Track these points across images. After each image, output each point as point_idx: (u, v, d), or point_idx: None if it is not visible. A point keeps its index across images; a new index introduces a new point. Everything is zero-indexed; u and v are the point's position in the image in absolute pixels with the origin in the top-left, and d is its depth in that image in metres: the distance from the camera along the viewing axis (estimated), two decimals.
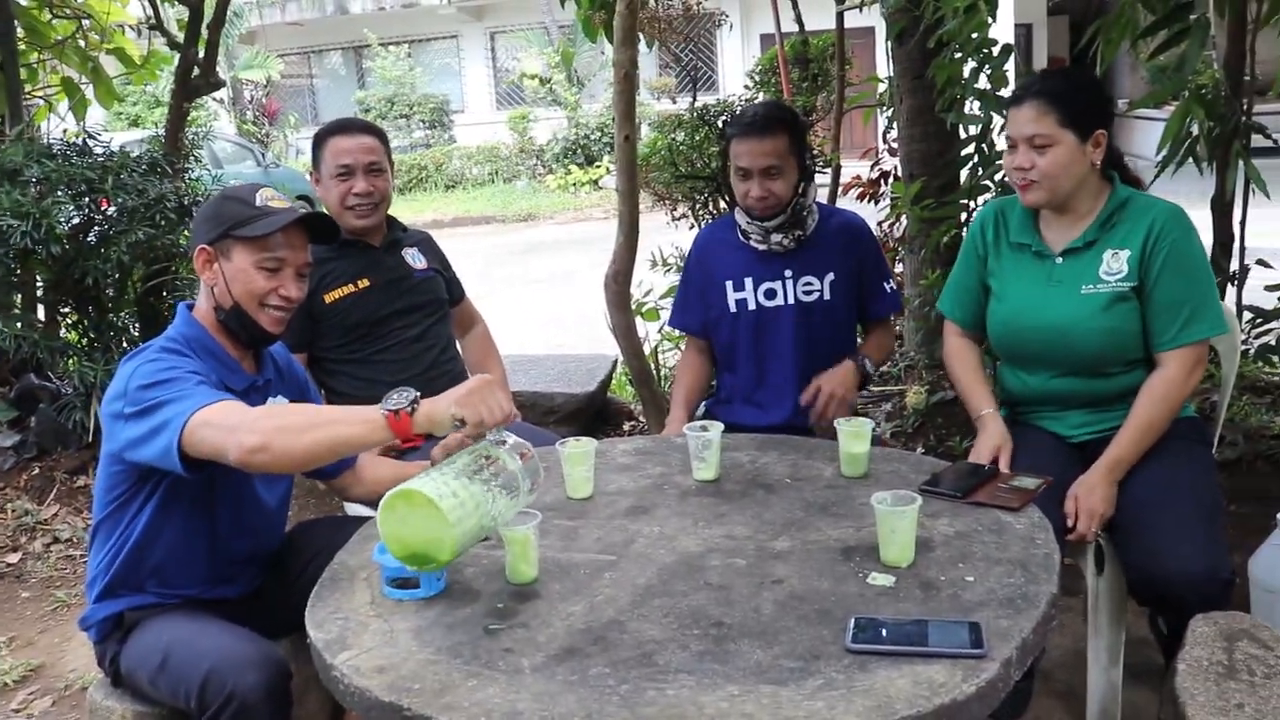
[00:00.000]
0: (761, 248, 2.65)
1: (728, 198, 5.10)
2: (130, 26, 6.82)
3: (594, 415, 4.55)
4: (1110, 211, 2.24)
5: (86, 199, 4.18)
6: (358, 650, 1.53)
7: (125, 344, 4.28)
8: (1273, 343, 3.62)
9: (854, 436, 2.09)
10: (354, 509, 2.56)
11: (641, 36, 4.74)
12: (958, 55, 3.44)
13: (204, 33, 5.21)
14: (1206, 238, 2.42)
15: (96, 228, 4.24)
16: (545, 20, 19.36)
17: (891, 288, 2.76)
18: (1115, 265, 2.21)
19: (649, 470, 2.22)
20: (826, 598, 1.60)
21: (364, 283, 2.76)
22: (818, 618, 1.54)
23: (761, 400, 2.70)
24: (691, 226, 5.46)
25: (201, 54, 5.21)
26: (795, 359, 2.65)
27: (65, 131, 4.93)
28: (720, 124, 5.49)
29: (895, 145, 4.72)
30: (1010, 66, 3.42)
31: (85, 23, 5.82)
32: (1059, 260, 2.28)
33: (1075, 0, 16.23)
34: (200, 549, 2.01)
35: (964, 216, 3.84)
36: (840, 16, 6.08)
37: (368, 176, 2.74)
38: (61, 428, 4.21)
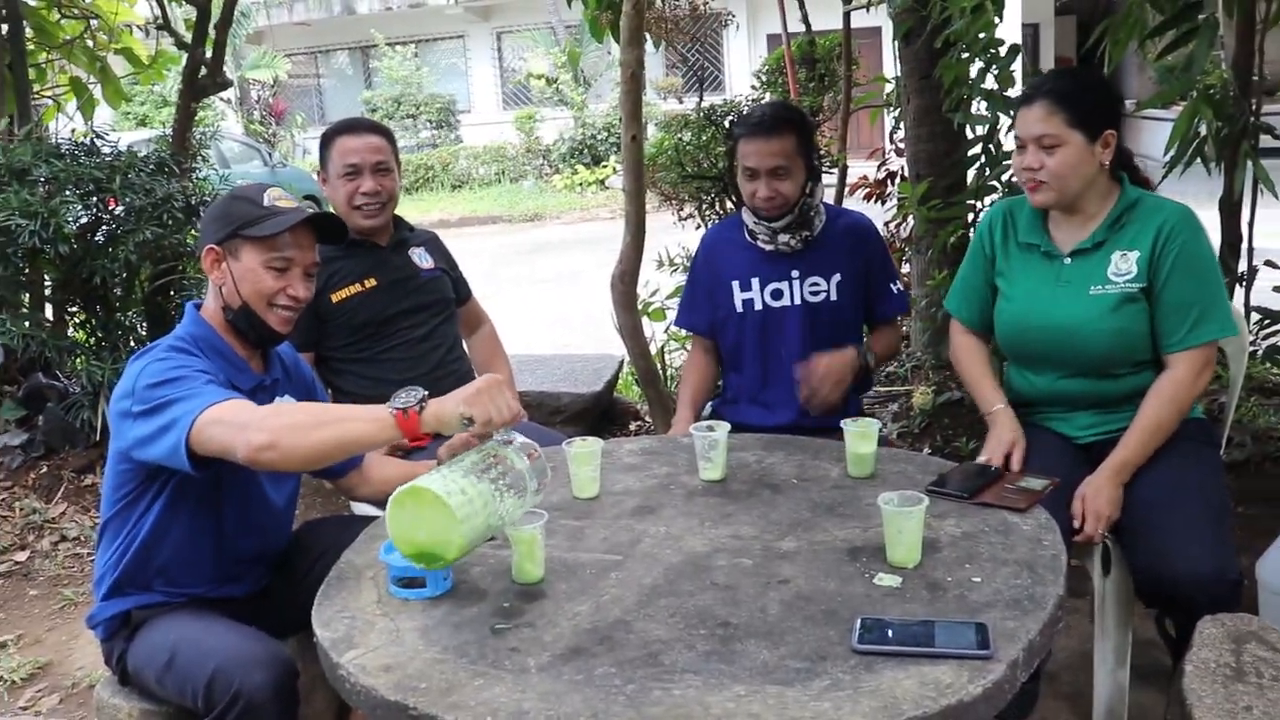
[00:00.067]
0: (768, 248, 2.65)
1: (734, 198, 5.10)
2: (138, 26, 6.84)
3: (600, 415, 4.55)
4: (1119, 212, 2.23)
5: (94, 198, 4.18)
6: (364, 649, 1.53)
7: (133, 343, 4.30)
8: None
9: (861, 437, 2.09)
10: (361, 508, 2.56)
11: (648, 36, 4.74)
12: (965, 55, 3.44)
13: (211, 33, 5.22)
14: (1214, 238, 2.41)
15: (104, 227, 4.25)
16: (552, 20, 19.37)
17: (898, 289, 2.75)
18: (1124, 266, 2.20)
19: (655, 470, 2.22)
20: (833, 598, 1.60)
21: (371, 282, 2.76)
22: (824, 618, 1.54)
23: (768, 400, 2.70)
24: (698, 226, 5.45)
25: (209, 54, 5.22)
26: (802, 359, 2.64)
27: (73, 131, 4.93)
28: (727, 124, 5.48)
29: (902, 145, 4.72)
30: (1017, 66, 3.42)
31: (93, 23, 5.84)
32: (1068, 261, 2.27)
33: (1083, 0, 16.19)
34: (207, 548, 2.02)
35: (971, 217, 3.83)
36: (847, 16, 6.07)
37: (375, 176, 2.75)
38: (69, 426, 4.22)
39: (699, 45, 17.75)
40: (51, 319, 4.43)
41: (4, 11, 4.95)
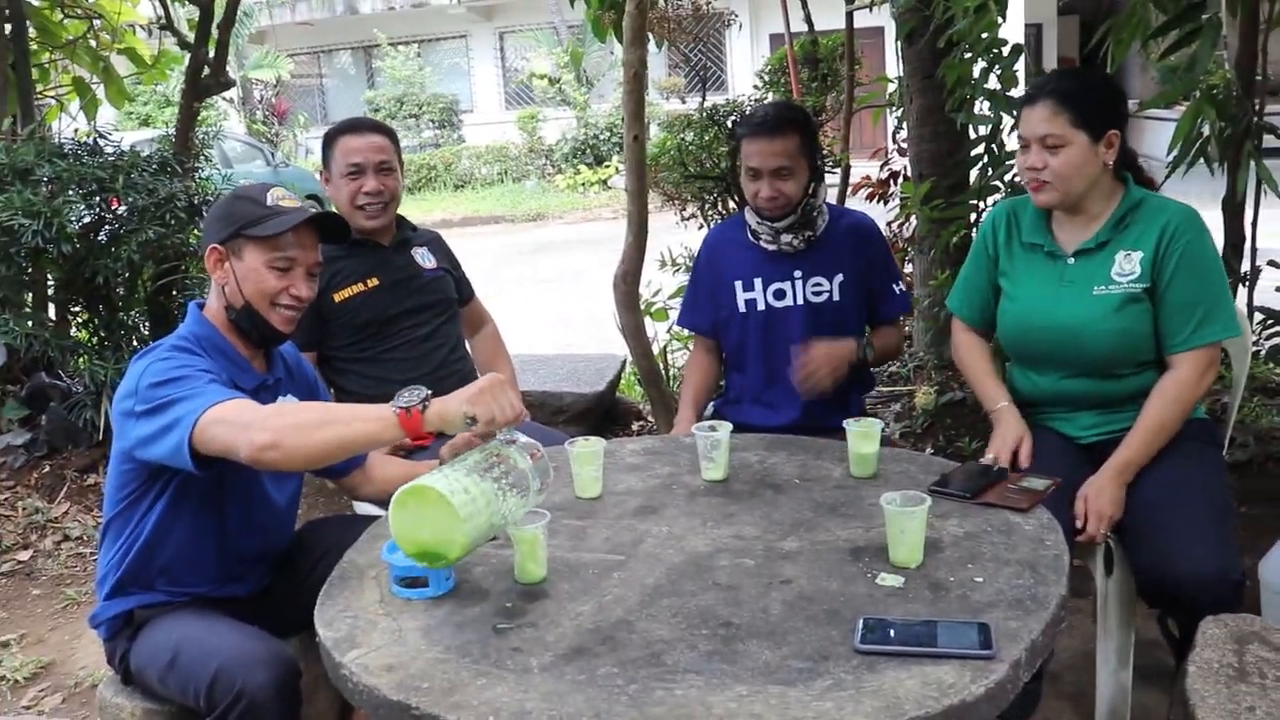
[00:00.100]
0: (771, 248, 2.65)
1: (737, 198, 5.10)
2: (141, 26, 6.84)
3: (603, 415, 4.55)
4: (1123, 212, 2.23)
5: (97, 198, 4.19)
6: (366, 649, 1.54)
7: (136, 343, 4.30)
8: None
9: (863, 437, 2.09)
10: (363, 508, 2.56)
11: (651, 36, 4.75)
12: (968, 55, 3.44)
13: (214, 32, 5.22)
14: (1217, 238, 2.41)
15: (107, 227, 4.26)
16: (554, 20, 19.37)
17: (900, 289, 2.75)
18: (1128, 266, 2.20)
19: (658, 470, 2.22)
20: (835, 598, 1.60)
21: (373, 282, 2.76)
22: (826, 618, 1.54)
23: (770, 400, 2.70)
24: (700, 226, 5.46)
25: (212, 54, 5.22)
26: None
27: (76, 131, 4.93)
28: (729, 124, 5.49)
29: (905, 145, 4.72)
30: (1020, 66, 3.42)
31: (96, 23, 5.84)
32: (1071, 261, 2.27)
33: (1086, 0, 16.18)
34: (210, 547, 2.02)
35: (973, 217, 3.83)
36: (850, 16, 6.07)
37: (378, 175, 2.75)
38: (72, 426, 4.22)
39: (701, 45, 17.74)
40: (54, 318, 4.43)
41: (7, 11, 4.96)
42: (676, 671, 1.42)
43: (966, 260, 2.50)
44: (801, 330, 2.63)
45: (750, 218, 2.68)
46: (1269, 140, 3.33)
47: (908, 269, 4.81)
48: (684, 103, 15.52)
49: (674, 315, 3.95)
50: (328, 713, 2.27)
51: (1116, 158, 2.20)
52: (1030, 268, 2.34)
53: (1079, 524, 2.07)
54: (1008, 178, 3.52)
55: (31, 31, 5.35)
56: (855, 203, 4.67)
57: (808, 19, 6.60)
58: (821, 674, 1.39)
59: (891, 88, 5.36)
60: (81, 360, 4.21)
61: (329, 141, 2.80)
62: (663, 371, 4.42)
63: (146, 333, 4.38)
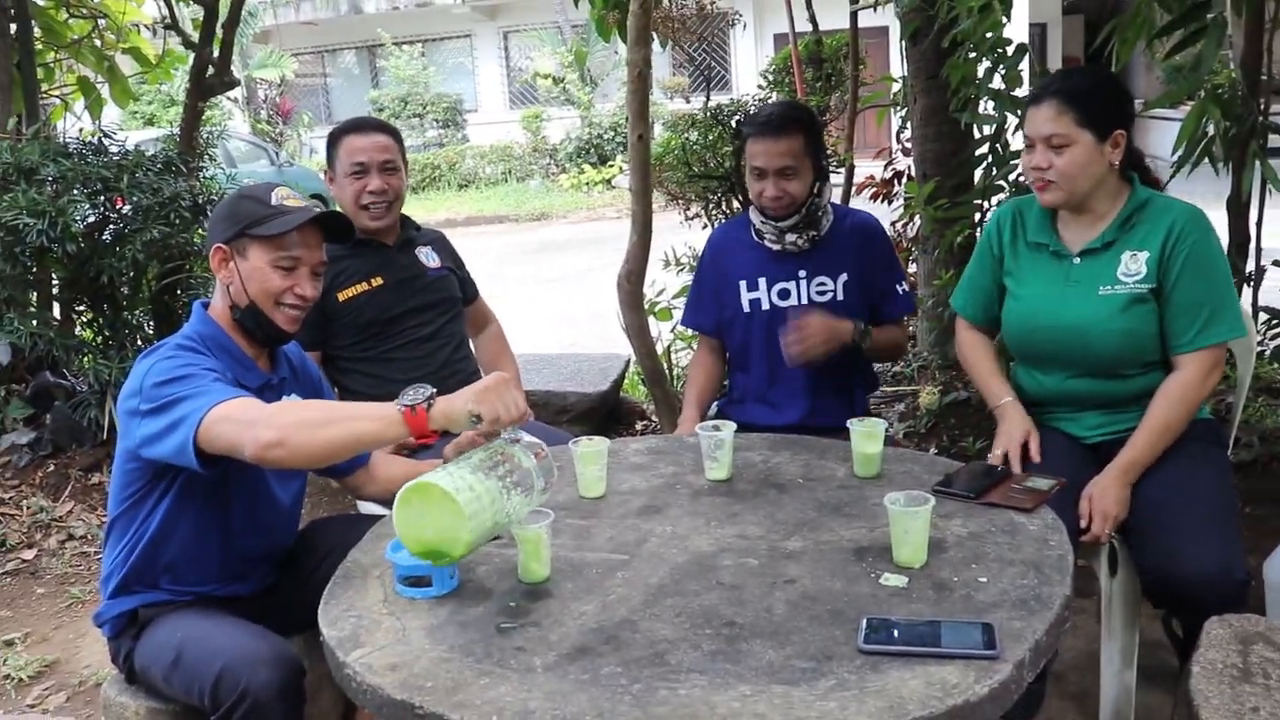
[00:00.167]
0: (776, 248, 2.65)
1: (741, 197, 5.10)
2: (146, 26, 6.86)
3: (606, 414, 4.55)
4: (1129, 212, 2.22)
5: (102, 198, 4.20)
6: (370, 648, 1.54)
7: (140, 342, 4.31)
8: None
9: (867, 437, 2.09)
10: (367, 507, 2.57)
11: (655, 36, 4.75)
12: (972, 55, 3.44)
13: (219, 32, 5.24)
14: (1222, 238, 2.41)
15: (112, 226, 4.26)
16: (559, 20, 19.38)
17: (904, 289, 2.75)
18: (1133, 266, 2.19)
19: (661, 470, 2.22)
20: (839, 598, 1.60)
21: (377, 281, 2.77)
22: (830, 618, 1.54)
23: (774, 400, 2.70)
24: (705, 226, 5.46)
25: (216, 53, 5.23)
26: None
27: (81, 130, 4.95)
28: (734, 123, 5.49)
29: (909, 145, 4.71)
30: (1024, 66, 3.42)
31: (101, 22, 5.86)
32: (1077, 260, 2.26)
33: None
34: (214, 546, 2.02)
35: (977, 216, 3.83)
36: (854, 16, 6.07)
37: (382, 174, 2.75)
38: (77, 425, 4.23)
39: (705, 45, 17.72)
40: (59, 318, 4.44)
41: (12, 11, 4.96)
42: (680, 671, 1.42)
43: (971, 259, 2.50)
44: None
45: (755, 217, 2.67)
46: (1274, 140, 3.32)
47: (912, 269, 4.80)
48: (688, 102, 15.52)
49: (678, 315, 3.95)
50: (331, 712, 2.27)
51: (1123, 157, 2.20)
52: (1035, 267, 2.33)
53: (1083, 524, 2.07)
54: (1012, 177, 3.52)
55: (37, 31, 5.36)
56: (859, 203, 4.66)
57: (812, 19, 6.60)
58: (825, 674, 1.39)
59: (896, 87, 5.37)
60: (86, 359, 4.22)
61: (333, 141, 2.81)
62: (666, 371, 4.42)
63: (151, 332, 4.39)
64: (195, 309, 2.05)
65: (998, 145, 3.57)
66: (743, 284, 2.68)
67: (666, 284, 4.81)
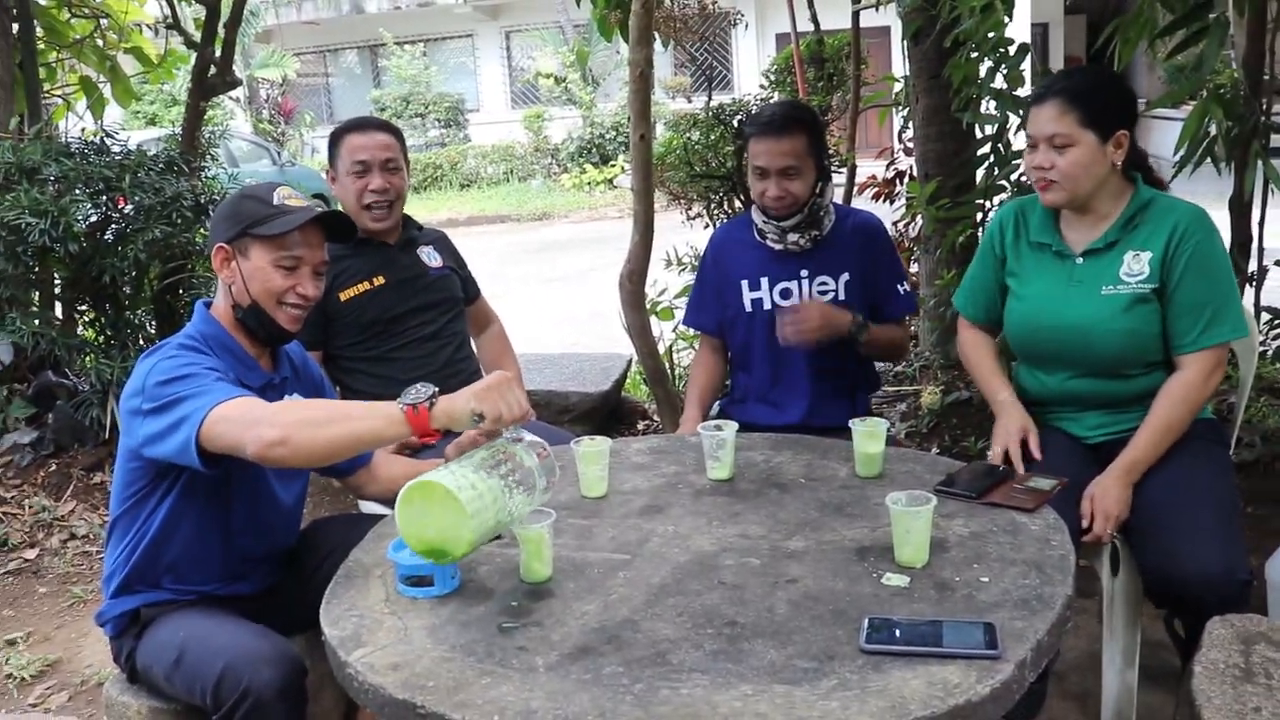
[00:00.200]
0: (778, 247, 2.65)
1: (743, 197, 5.10)
2: (148, 26, 6.87)
3: (608, 414, 4.55)
4: (1132, 213, 2.22)
5: (104, 197, 4.20)
6: (372, 648, 1.54)
7: (142, 341, 4.31)
8: None
9: (869, 436, 2.09)
10: (369, 507, 2.57)
11: (657, 36, 4.74)
12: (974, 55, 3.43)
13: (221, 32, 5.24)
14: (1224, 238, 2.40)
15: (114, 226, 4.26)
16: (560, 19, 19.38)
17: (906, 289, 2.75)
18: (1136, 267, 2.19)
19: (663, 469, 2.22)
20: (841, 598, 1.60)
21: (379, 280, 2.77)
22: (832, 618, 1.54)
23: (776, 400, 2.70)
24: (706, 226, 5.46)
25: (218, 53, 5.24)
26: (810, 359, 2.63)
27: (83, 130, 4.95)
28: (736, 123, 5.49)
29: (911, 145, 4.71)
30: (1026, 66, 3.41)
31: (103, 22, 5.87)
32: (1079, 260, 2.26)
33: None
34: (216, 545, 2.02)
35: (979, 216, 3.82)
36: (856, 16, 6.07)
37: (384, 174, 2.75)
38: (79, 424, 4.23)
39: (707, 44, 17.71)
40: (61, 317, 4.44)
41: (14, 11, 4.97)
42: (682, 671, 1.42)
43: (973, 259, 2.50)
44: None
45: (756, 217, 2.68)
46: (1276, 139, 3.32)
47: (913, 269, 4.80)
48: (690, 102, 15.50)
49: (680, 314, 3.95)
50: (333, 711, 2.27)
51: (1126, 157, 2.20)
52: (1038, 267, 2.33)
53: (1085, 524, 2.07)
54: (1014, 177, 3.52)
55: (39, 30, 5.37)
56: (861, 202, 4.66)
57: (814, 18, 6.59)
58: (827, 674, 1.39)
59: (897, 87, 5.36)
60: (88, 359, 4.22)
61: (335, 140, 2.81)
62: (668, 371, 4.42)
63: (153, 331, 4.39)
64: (197, 308, 2.05)
65: (1000, 145, 3.57)
66: (745, 283, 2.68)
67: (668, 284, 4.81)
